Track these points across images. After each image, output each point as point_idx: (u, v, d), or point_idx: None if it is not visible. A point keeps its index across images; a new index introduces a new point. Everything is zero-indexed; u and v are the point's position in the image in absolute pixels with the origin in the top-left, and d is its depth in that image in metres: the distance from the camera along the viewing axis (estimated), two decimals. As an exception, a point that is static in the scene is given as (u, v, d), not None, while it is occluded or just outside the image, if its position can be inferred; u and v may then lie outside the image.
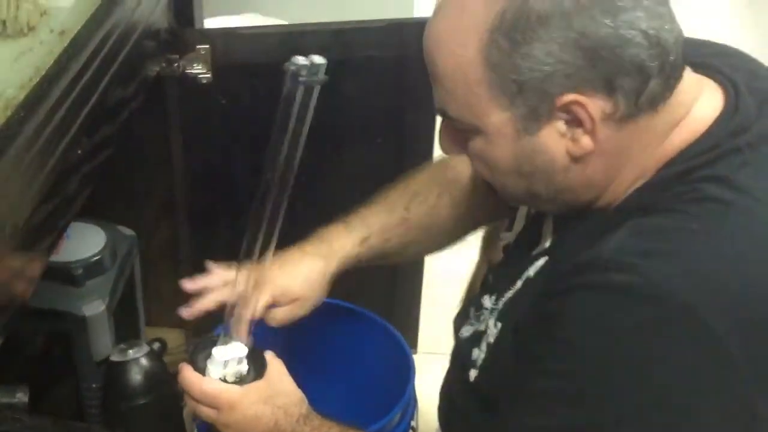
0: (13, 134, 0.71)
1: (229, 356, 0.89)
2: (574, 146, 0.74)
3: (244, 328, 0.96)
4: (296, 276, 1.04)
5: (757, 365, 0.69)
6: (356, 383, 1.39)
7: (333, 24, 1.33)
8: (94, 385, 1.18)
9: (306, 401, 0.91)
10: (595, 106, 0.71)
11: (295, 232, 1.43)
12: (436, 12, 0.76)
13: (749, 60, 0.85)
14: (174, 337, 1.44)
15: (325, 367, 1.41)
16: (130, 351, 1.12)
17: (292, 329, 1.39)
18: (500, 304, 0.88)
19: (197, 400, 0.89)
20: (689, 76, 0.76)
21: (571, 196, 0.79)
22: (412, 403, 1.26)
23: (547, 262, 0.83)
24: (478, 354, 0.89)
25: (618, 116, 0.72)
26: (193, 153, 1.35)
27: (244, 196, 1.41)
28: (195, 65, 1.23)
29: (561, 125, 0.73)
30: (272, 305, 1.03)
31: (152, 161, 1.38)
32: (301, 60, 0.81)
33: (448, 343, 1.40)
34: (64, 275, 1.14)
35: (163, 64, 1.21)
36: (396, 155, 1.40)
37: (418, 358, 1.58)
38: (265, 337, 1.31)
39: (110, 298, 1.18)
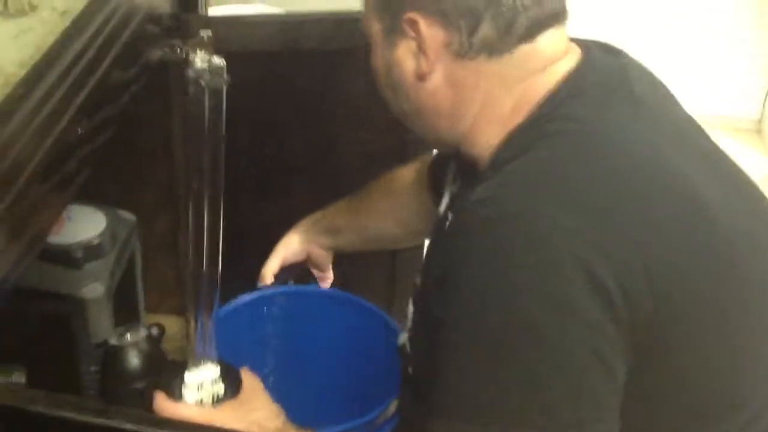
0: (12, 111, 0.71)
1: (202, 378, 0.89)
2: (418, 67, 0.84)
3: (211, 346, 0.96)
4: (289, 240, 1.28)
5: (609, 251, 0.72)
6: (354, 372, 1.39)
7: (334, 13, 1.33)
8: (92, 368, 1.19)
9: (282, 414, 0.92)
10: (431, 31, 0.81)
11: (294, 222, 1.44)
12: None
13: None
14: (173, 324, 1.44)
15: (324, 356, 1.41)
16: (128, 335, 1.12)
17: (292, 318, 1.40)
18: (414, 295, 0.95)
19: None
20: (555, 41, 0.84)
21: (431, 123, 0.89)
22: (407, 392, 1.26)
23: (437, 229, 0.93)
24: (408, 347, 0.95)
25: (454, 50, 0.82)
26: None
27: (245, 182, 1.43)
28: (198, 51, 1.23)
29: (412, 44, 0.83)
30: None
31: (154, 146, 1.38)
32: (200, 63, 0.81)
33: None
34: (63, 257, 1.15)
35: (166, 50, 1.21)
36: (397, 145, 1.40)
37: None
38: (265, 325, 1.33)
39: (109, 281, 1.18)
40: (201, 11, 1.28)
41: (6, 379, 1.10)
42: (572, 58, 0.85)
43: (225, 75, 0.82)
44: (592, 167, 0.77)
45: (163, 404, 0.89)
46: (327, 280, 1.34)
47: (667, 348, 0.75)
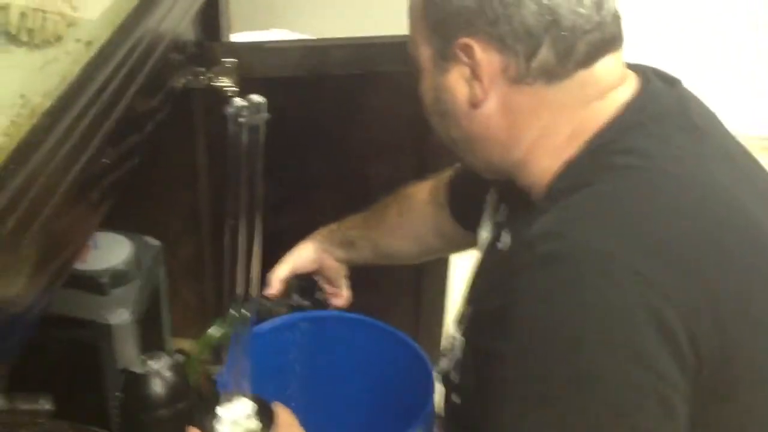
0: (38, 141, 0.72)
1: (236, 414, 0.88)
2: (471, 93, 0.81)
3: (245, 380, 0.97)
4: (303, 250, 1.27)
5: (676, 294, 0.71)
6: (378, 399, 1.38)
7: (356, 39, 1.34)
8: (118, 395, 1.19)
9: None
10: (487, 57, 0.79)
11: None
12: None
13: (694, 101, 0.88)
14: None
15: (348, 381, 1.40)
16: (151, 362, 1.12)
17: (316, 344, 1.40)
18: (463, 324, 0.91)
19: None
20: (612, 66, 0.82)
21: (482, 150, 0.86)
22: (431, 420, 1.25)
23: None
24: (455, 375, 0.92)
25: (510, 75, 0.79)
26: (218, 165, 1.36)
27: (268, 208, 1.43)
28: (221, 78, 1.25)
29: (465, 70, 0.81)
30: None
31: (178, 173, 1.40)
32: (239, 101, 0.83)
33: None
34: (90, 284, 1.15)
35: (190, 77, 1.22)
36: (418, 171, 1.40)
37: (442, 374, 1.58)
38: (288, 351, 1.32)
39: (136, 307, 1.19)
40: (224, 38, 1.30)
41: (33, 406, 1.11)
42: (630, 86, 0.83)
43: (264, 112, 0.85)
44: (660, 206, 0.75)
45: None
46: (339, 297, 1.32)
47: (732, 383, 0.74)
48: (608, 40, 0.81)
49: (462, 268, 1.77)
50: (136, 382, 1.12)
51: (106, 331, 1.15)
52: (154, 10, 0.98)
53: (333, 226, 1.28)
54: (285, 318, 1.28)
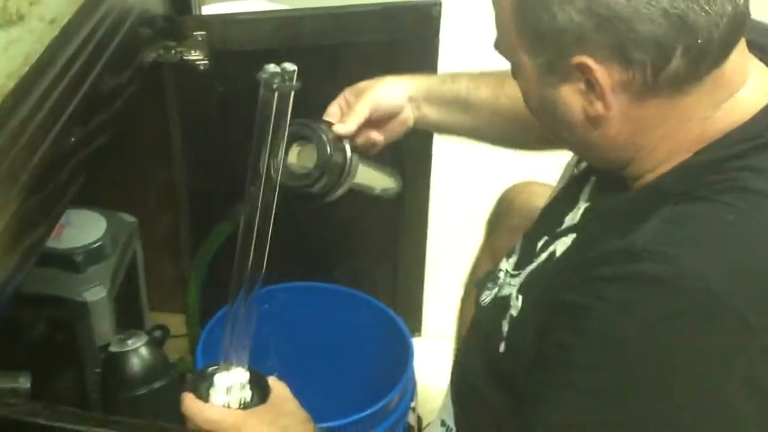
0: (2, 123, 0.71)
1: (231, 382, 0.89)
2: (590, 108, 0.74)
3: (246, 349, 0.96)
4: (392, 89, 1.06)
5: None
6: (358, 367, 1.40)
7: (330, 8, 1.33)
8: (97, 371, 1.19)
9: (311, 420, 0.90)
10: (607, 73, 0.71)
11: (288, 227, 1.44)
12: None
13: None
14: (177, 322, 1.45)
15: (327, 351, 1.42)
16: (129, 340, 1.12)
17: (293, 315, 1.40)
18: (522, 275, 0.88)
19: (201, 427, 0.89)
20: (738, 58, 0.73)
21: (598, 152, 0.80)
22: (411, 385, 1.27)
23: (574, 241, 0.82)
24: (506, 326, 0.88)
25: (635, 88, 0.72)
26: (192, 139, 1.36)
27: (243, 182, 1.43)
28: (192, 52, 1.23)
29: (580, 84, 0.74)
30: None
31: (152, 148, 1.39)
32: (272, 68, 0.84)
33: (452, 326, 1.40)
34: (65, 262, 1.15)
35: (161, 51, 1.21)
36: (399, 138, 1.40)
37: (422, 342, 1.60)
38: (265, 322, 1.33)
39: (111, 284, 1.19)
40: (195, 11, 1.28)
41: (11, 384, 1.11)
42: (759, 80, 0.75)
43: (295, 80, 0.84)
44: None
45: (190, 405, 0.87)
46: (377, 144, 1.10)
47: None
48: (739, 27, 0.72)
49: (440, 237, 1.78)
50: (115, 362, 1.12)
51: (82, 308, 1.15)
52: (120, -17, 0.96)
53: (432, 81, 1.10)
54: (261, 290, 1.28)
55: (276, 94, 0.82)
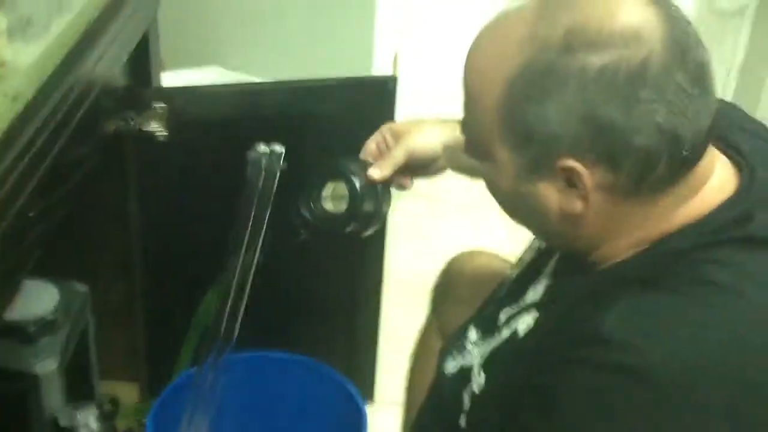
0: (-36, 201, 0.71)
1: None
2: (567, 204, 0.76)
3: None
4: (428, 136, 1.05)
5: None
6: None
7: (289, 82, 1.35)
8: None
9: None
10: (594, 176, 0.73)
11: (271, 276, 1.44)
12: (480, 36, 0.78)
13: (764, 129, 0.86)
14: (128, 391, 1.43)
15: (282, 421, 1.40)
16: (79, 414, 1.10)
17: (250, 385, 1.39)
18: (485, 348, 0.89)
19: None
20: (706, 156, 0.76)
21: (565, 241, 0.81)
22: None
23: (537, 320, 0.83)
24: (467, 400, 0.88)
25: (617, 190, 0.74)
26: (149, 209, 1.36)
27: (199, 253, 1.43)
28: (152, 123, 1.24)
29: (560, 183, 0.75)
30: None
31: (108, 217, 1.38)
32: (262, 148, 0.90)
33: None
34: (16, 333, 1.14)
35: (121, 122, 1.22)
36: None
37: (375, 408, 1.60)
38: (223, 392, 1.32)
39: (62, 355, 1.17)
40: (155, 82, 1.30)
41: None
42: (723, 176, 0.78)
43: (282, 161, 0.90)
44: (751, 353, 0.71)
45: None
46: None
47: None
48: (713, 135, 0.75)
49: (395, 304, 1.79)
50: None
51: (33, 380, 1.13)
52: (85, 58, 0.97)
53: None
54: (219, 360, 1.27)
55: (263, 174, 0.88)
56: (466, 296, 1.23)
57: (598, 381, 0.70)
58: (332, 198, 1.02)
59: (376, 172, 1.02)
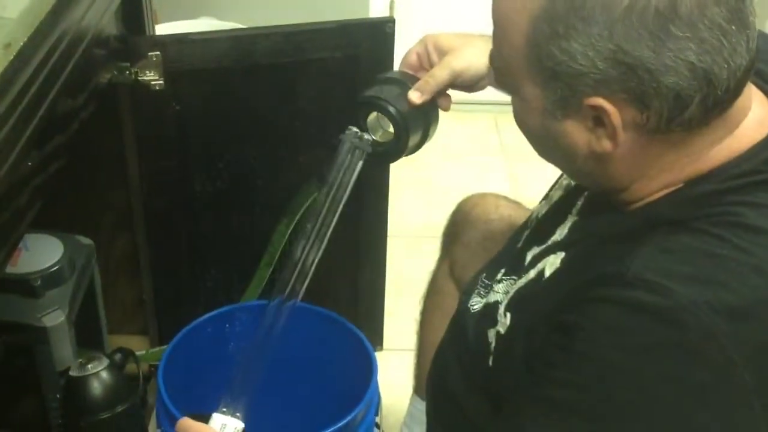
0: (-41, 150, 0.71)
1: (227, 423, 0.95)
2: (596, 143, 0.74)
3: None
4: (476, 58, 0.99)
5: None
6: (321, 384, 1.40)
7: (284, 27, 1.33)
8: (58, 396, 1.18)
9: None
10: (622, 115, 0.71)
11: (253, 233, 1.44)
12: None
13: None
14: (137, 344, 1.44)
15: (289, 369, 1.41)
16: (90, 365, 1.11)
17: (257, 332, 1.40)
18: (511, 290, 0.89)
19: None
20: (746, 95, 0.74)
21: (594, 179, 0.80)
22: (375, 400, 1.27)
23: (563, 260, 0.83)
24: (492, 340, 0.89)
25: (646, 130, 0.72)
26: (148, 159, 1.35)
27: (200, 201, 1.43)
28: (147, 72, 1.23)
29: (588, 121, 0.73)
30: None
31: (108, 169, 1.38)
32: (354, 129, 0.99)
33: (412, 340, 1.42)
34: (22, 287, 1.14)
35: (115, 72, 1.21)
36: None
37: (382, 355, 1.61)
38: (227, 342, 1.32)
39: (70, 308, 1.17)
40: (149, 31, 1.28)
41: (-30, 413, 1.09)
42: (760, 114, 0.76)
43: (368, 148, 0.98)
44: None
45: (185, 424, 0.93)
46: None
47: None
48: (749, 74, 0.73)
49: (399, 250, 1.79)
50: (75, 386, 1.10)
51: (41, 333, 1.13)
52: (74, 6, 0.96)
53: None
54: (222, 309, 1.28)
55: (353, 151, 0.98)
56: (477, 238, 1.24)
57: (621, 319, 0.70)
58: (380, 125, 1.02)
59: (416, 96, 0.98)
